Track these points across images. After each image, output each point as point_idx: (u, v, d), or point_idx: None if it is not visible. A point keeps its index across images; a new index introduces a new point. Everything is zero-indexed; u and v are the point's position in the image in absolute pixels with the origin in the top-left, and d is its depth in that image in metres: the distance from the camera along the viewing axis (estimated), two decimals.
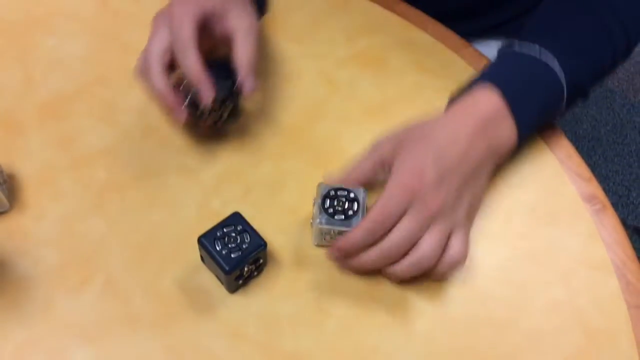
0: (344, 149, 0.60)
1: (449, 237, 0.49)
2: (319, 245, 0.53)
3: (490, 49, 0.81)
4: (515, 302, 0.52)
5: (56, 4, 0.68)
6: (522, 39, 0.58)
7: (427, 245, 0.48)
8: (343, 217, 0.50)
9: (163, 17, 0.55)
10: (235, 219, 0.50)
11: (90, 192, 0.56)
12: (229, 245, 0.49)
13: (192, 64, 0.52)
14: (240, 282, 0.51)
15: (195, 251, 0.51)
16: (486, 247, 0.55)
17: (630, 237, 0.57)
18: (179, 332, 0.49)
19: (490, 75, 0.55)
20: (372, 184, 0.53)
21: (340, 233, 0.50)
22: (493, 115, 0.53)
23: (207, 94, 0.53)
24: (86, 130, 0.60)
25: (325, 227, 0.50)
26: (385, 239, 0.48)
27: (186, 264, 0.52)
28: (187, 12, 0.53)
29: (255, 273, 0.52)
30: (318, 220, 0.50)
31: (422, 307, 0.52)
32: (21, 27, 0.66)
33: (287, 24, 0.68)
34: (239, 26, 0.56)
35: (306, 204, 0.56)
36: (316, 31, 0.68)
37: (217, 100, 0.53)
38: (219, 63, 0.55)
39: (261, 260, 0.51)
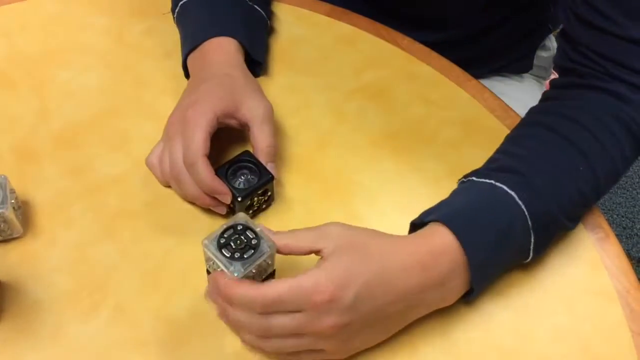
0: (351, 177, 0.61)
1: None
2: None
3: (491, 82, 0.83)
4: (520, 328, 0.53)
5: (71, 38, 0.71)
6: (478, 176, 0.53)
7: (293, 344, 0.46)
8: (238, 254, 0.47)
9: (178, 124, 0.56)
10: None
11: (102, 219, 0.57)
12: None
13: (203, 178, 0.53)
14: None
15: (204, 277, 0.52)
16: None
17: (635, 269, 0.57)
18: (187, 357, 0.50)
19: (443, 214, 0.50)
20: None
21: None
22: (442, 254, 0.47)
23: (224, 199, 0.54)
24: (98, 159, 0.61)
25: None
26: (264, 319, 0.44)
27: (195, 290, 0.53)
28: (198, 123, 0.54)
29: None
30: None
31: (426, 332, 0.52)
32: (38, 59, 0.69)
33: (296, 57, 0.71)
34: (253, 116, 0.57)
35: None
36: (324, 65, 0.70)
37: (243, 198, 0.54)
38: (246, 158, 0.56)
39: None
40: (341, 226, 0.48)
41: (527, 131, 0.57)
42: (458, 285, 0.49)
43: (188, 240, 0.56)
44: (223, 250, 0.47)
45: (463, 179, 0.55)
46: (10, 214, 0.52)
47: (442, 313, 0.53)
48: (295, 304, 0.44)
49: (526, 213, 0.50)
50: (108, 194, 0.59)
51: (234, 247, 0.47)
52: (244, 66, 0.63)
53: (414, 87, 0.68)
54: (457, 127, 0.61)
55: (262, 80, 0.68)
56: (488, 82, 0.79)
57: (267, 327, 0.45)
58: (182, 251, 0.56)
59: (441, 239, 0.48)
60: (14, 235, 0.55)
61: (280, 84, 0.68)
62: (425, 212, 0.51)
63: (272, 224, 0.57)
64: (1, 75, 0.67)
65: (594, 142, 0.53)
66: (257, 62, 0.67)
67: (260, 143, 0.57)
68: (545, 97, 0.61)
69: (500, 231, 0.49)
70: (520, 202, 0.50)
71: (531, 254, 0.52)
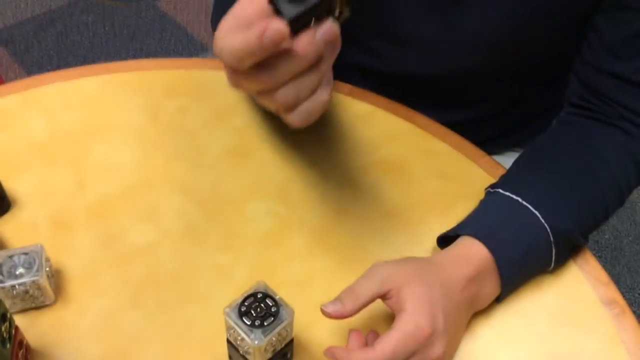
0: (368, 249, 0.63)
1: None
2: None
3: (506, 158, 0.86)
4: None
5: (110, 115, 0.76)
6: (504, 189, 0.60)
7: None
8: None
9: None
10: None
11: (130, 287, 0.60)
12: None
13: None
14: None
15: (224, 345, 0.54)
16: (509, 348, 0.56)
17: None
18: None
19: (478, 229, 0.58)
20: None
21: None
22: (482, 270, 0.55)
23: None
24: (129, 229, 0.64)
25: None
26: None
27: (216, 358, 0.54)
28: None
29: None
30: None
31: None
32: (77, 135, 0.73)
33: (313, 132, 0.74)
34: None
35: None
36: (341, 140, 0.74)
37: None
38: None
39: (288, 355, 0.53)
40: (386, 265, 0.53)
41: (552, 152, 0.64)
42: (492, 291, 0.57)
43: (211, 308, 0.58)
44: (244, 318, 0.48)
45: (490, 189, 0.62)
46: (44, 282, 0.55)
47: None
48: (407, 351, 0.49)
49: (549, 231, 0.57)
50: (136, 263, 0.62)
51: (254, 314, 0.49)
52: None
53: (429, 162, 0.71)
54: (473, 202, 0.63)
55: (283, 150, 0.72)
56: (503, 158, 0.82)
57: None
58: (205, 319, 0.57)
59: (479, 256, 0.56)
60: (46, 303, 0.58)
61: (297, 158, 0.71)
62: (459, 226, 0.59)
63: (291, 295, 0.59)
64: (43, 150, 0.71)
65: (608, 172, 0.61)
66: None
67: None
68: (562, 121, 0.67)
69: (527, 246, 0.57)
70: (543, 222, 0.57)
71: (553, 264, 0.59)
